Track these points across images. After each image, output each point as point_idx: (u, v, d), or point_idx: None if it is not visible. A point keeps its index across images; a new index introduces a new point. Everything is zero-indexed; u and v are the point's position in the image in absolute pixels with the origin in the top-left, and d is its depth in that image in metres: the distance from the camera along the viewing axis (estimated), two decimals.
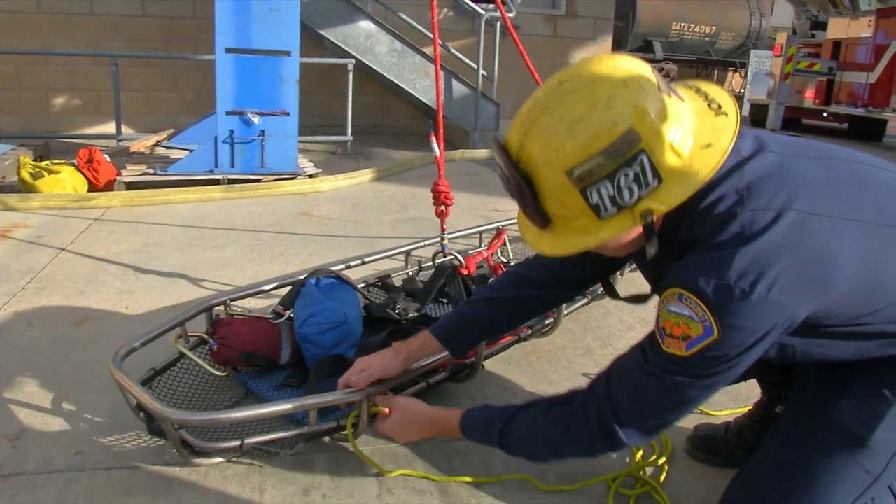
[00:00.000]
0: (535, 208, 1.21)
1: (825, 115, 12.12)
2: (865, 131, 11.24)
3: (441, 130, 2.41)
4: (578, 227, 1.20)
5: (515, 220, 3.13)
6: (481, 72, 6.80)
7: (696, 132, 1.15)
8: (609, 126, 1.08)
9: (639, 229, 1.18)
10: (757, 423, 1.76)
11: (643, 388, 1.27)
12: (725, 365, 1.17)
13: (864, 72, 11.17)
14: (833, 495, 1.26)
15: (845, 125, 11.92)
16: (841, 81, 11.63)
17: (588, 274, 1.64)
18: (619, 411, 1.29)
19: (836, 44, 11.78)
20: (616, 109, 1.08)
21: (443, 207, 2.43)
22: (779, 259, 1.10)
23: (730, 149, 1.14)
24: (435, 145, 2.36)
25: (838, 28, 11.97)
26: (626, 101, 1.09)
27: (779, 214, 1.12)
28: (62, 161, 4.57)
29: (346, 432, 1.66)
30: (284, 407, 1.57)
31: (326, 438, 1.74)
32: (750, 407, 1.83)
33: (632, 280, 2.53)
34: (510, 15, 7.04)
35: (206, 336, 2.02)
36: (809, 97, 12.13)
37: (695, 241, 1.18)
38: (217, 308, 2.11)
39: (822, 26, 12.38)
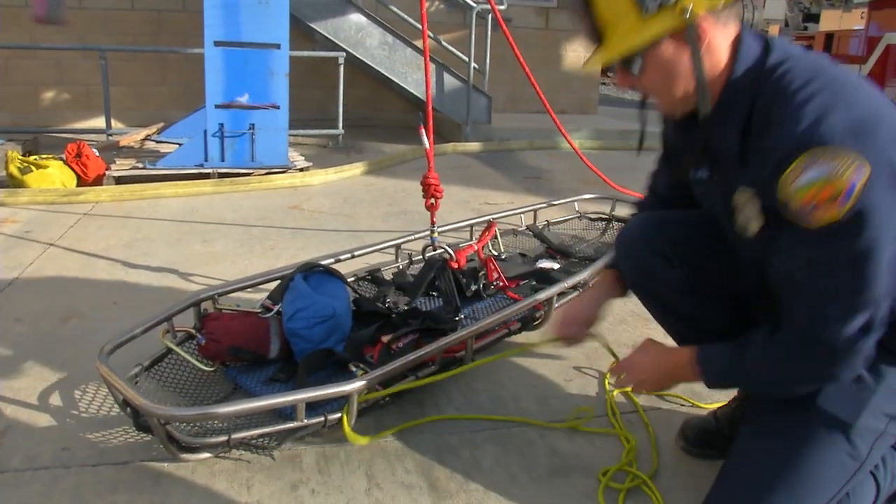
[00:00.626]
0: (589, 16, 1.30)
1: None
2: None
3: (430, 123, 2.40)
4: (625, 30, 1.27)
5: (506, 213, 3.16)
6: (473, 64, 6.77)
7: None
8: None
9: (682, 54, 1.27)
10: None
11: (822, 287, 1.21)
12: (880, 220, 1.12)
13: (856, 64, 11.17)
14: (821, 482, 1.28)
15: None
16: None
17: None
18: (827, 325, 1.21)
19: (829, 36, 11.79)
20: None
21: (432, 200, 2.42)
22: (876, 105, 1.17)
23: None
24: (424, 138, 2.35)
25: (831, 20, 11.99)
26: None
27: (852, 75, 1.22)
28: (51, 156, 4.53)
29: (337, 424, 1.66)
30: (271, 402, 1.56)
31: (315, 433, 1.73)
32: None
33: None
34: (501, 7, 7.01)
35: (193, 331, 2.01)
36: None
37: (774, 98, 1.21)
38: (205, 303, 2.10)
39: (815, 18, 12.41)
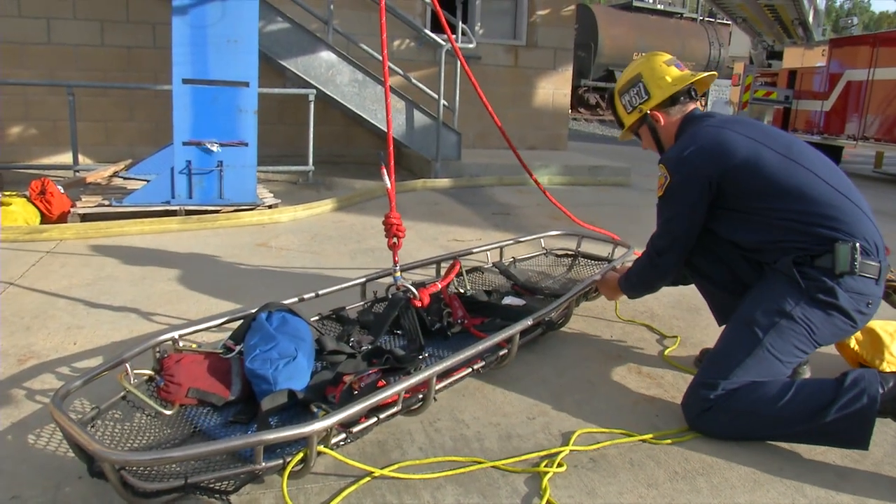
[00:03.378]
0: (615, 112, 2.62)
1: None
2: None
3: (392, 162, 2.42)
4: (625, 119, 2.55)
5: (472, 251, 3.18)
6: (442, 101, 6.86)
7: (673, 78, 2.44)
8: (631, 72, 2.51)
9: (655, 125, 2.47)
10: None
11: (657, 220, 2.36)
12: (678, 194, 2.23)
13: (819, 100, 11.50)
14: (734, 353, 2.09)
15: None
16: (797, 109, 11.94)
17: None
18: (655, 238, 2.37)
19: (792, 73, 12.13)
20: (634, 68, 2.51)
21: (394, 240, 2.43)
22: (697, 142, 2.23)
23: (685, 87, 2.42)
24: (386, 177, 2.37)
25: (793, 57, 12.33)
26: (640, 65, 2.50)
27: (711, 128, 2.27)
28: (14, 192, 4.48)
29: (299, 468, 1.63)
30: (228, 444, 1.54)
31: (275, 476, 1.71)
32: None
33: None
34: (470, 46, 7.15)
35: (153, 373, 1.99)
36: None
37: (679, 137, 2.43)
38: (166, 344, 2.08)
39: (778, 56, 12.74)
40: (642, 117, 2.45)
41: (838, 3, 59.25)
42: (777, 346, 2.04)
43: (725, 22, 19.16)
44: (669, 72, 2.42)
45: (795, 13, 10.31)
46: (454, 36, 7.07)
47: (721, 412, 2.01)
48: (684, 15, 25.10)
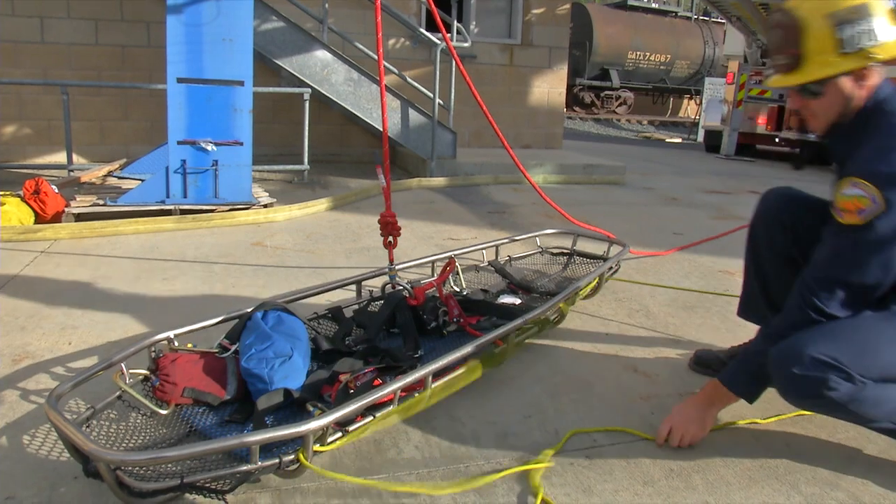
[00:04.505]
0: (797, 46, 1.76)
1: (777, 140, 12.46)
2: (817, 156, 11.59)
3: (387, 161, 2.42)
4: (822, 62, 1.75)
5: (468, 249, 3.18)
6: (437, 100, 6.86)
7: None
8: None
9: (851, 87, 1.77)
10: None
11: (830, 261, 1.78)
12: (891, 229, 1.67)
13: None
14: (882, 343, 1.75)
15: (797, 150, 12.29)
16: (791, 108, 11.95)
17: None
18: (817, 287, 1.78)
19: None
20: None
21: (390, 239, 2.43)
22: None
23: None
24: (381, 176, 2.37)
25: None
26: None
27: None
28: (8, 192, 4.47)
29: (294, 467, 1.63)
30: (224, 444, 1.53)
31: (271, 476, 1.71)
32: None
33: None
34: (465, 45, 7.15)
35: (148, 373, 1.98)
36: (762, 123, 12.47)
37: (873, 128, 1.76)
38: (161, 343, 2.08)
39: None
40: (857, 71, 1.75)
41: None
42: None
43: (720, 21, 19.18)
44: None
45: None
46: (449, 35, 7.07)
47: (849, 407, 1.74)
48: (679, 14, 25.14)
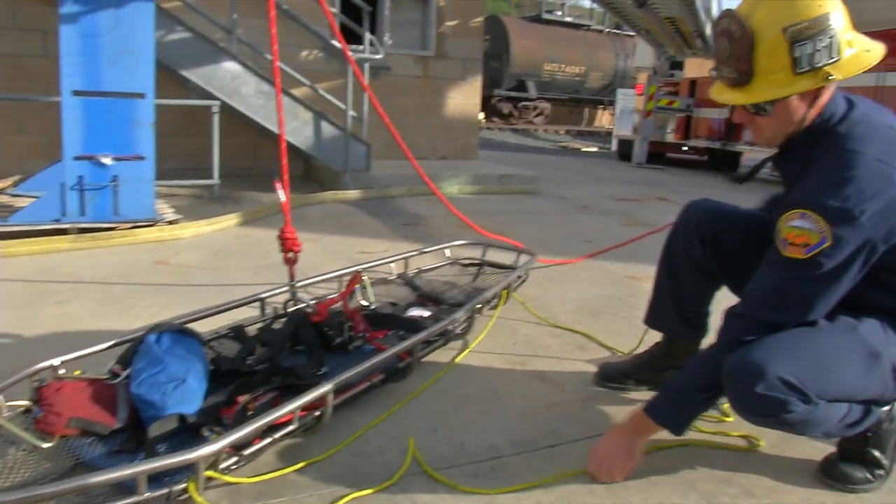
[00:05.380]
0: (747, 62, 1.60)
1: (685, 149, 12.97)
2: (723, 163, 12.13)
3: (286, 175, 2.38)
4: (775, 81, 1.60)
5: (376, 263, 3.16)
6: (350, 112, 6.81)
7: (859, 41, 1.62)
8: (817, 5, 1.56)
9: (802, 106, 1.65)
10: (651, 360, 2.41)
11: (765, 297, 1.69)
12: (834, 267, 1.57)
13: (718, 108, 12.05)
14: (843, 364, 1.67)
15: (705, 157, 12.83)
16: (698, 117, 12.49)
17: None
18: (746, 325, 1.70)
19: (693, 82, 12.66)
20: (815, 3, 1.56)
21: (290, 254, 2.38)
22: (876, 198, 1.53)
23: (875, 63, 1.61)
24: (280, 191, 2.33)
25: (694, 67, 12.89)
26: (826, 2, 1.57)
27: (882, 166, 1.56)
28: None
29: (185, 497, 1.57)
30: (104, 477, 1.46)
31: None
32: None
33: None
34: (378, 56, 7.13)
35: (29, 404, 1.87)
36: (670, 132, 12.96)
37: (824, 150, 1.64)
38: (45, 372, 1.97)
39: (680, 66, 13.31)
40: (812, 91, 1.63)
41: None
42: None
43: (630, 34, 19.88)
44: (856, 36, 1.63)
45: (694, 25, 10.77)
46: (362, 46, 7.04)
47: (795, 425, 1.70)
48: (591, 27, 25.88)
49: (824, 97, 1.65)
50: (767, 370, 1.59)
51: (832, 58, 1.57)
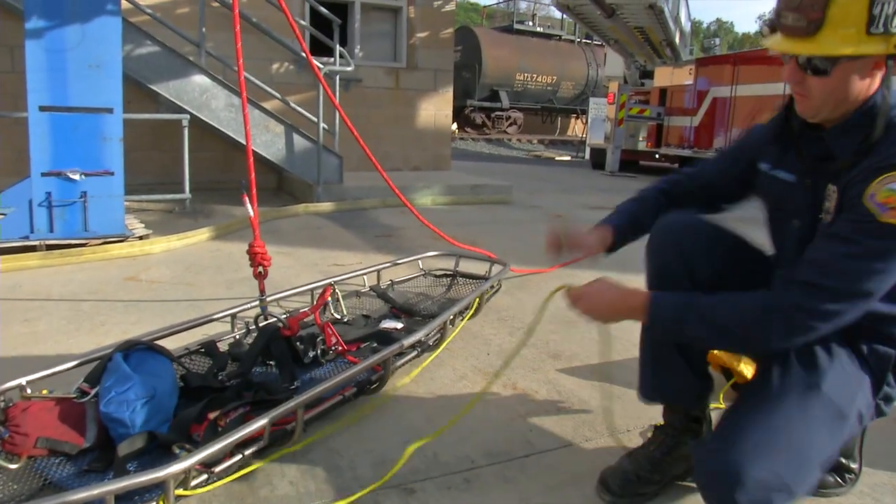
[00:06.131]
0: (822, 8, 1.37)
1: (657, 156, 13.14)
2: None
3: (254, 189, 2.38)
4: (844, 35, 1.38)
5: (348, 275, 3.15)
6: (322, 125, 6.81)
7: None
8: None
9: (869, 77, 1.44)
10: (668, 451, 1.89)
11: (846, 264, 1.40)
12: None
13: (688, 116, 12.25)
14: (815, 441, 1.46)
15: (676, 165, 13.03)
16: (669, 126, 12.68)
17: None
18: (815, 295, 1.41)
19: (663, 91, 12.86)
20: None
21: (260, 269, 2.38)
22: None
23: None
24: (248, 205, 2.32)
25: (664, 76, 13.10)
26: None
27: None
28: None
29: None
30: (69, 497, 1.44)
31: None
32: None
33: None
34: (349, 68, 7.15)
35: None
36: (642, 140, 13.14)
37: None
38: (11, 391, 1.94)
39: (650, 75, 13.50)
40: (875, 59, 1.43)
41: (705, 25, 63.28)
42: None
43: (601, 44, 20.12)
44: None
45: (663, 35, 10.95)
46: (332, 59, 7.05)
47: None
48: (562, 37, 26.14)
49: (879, 74, 1.45)
50: (745, 472, 1.38)
51: None
